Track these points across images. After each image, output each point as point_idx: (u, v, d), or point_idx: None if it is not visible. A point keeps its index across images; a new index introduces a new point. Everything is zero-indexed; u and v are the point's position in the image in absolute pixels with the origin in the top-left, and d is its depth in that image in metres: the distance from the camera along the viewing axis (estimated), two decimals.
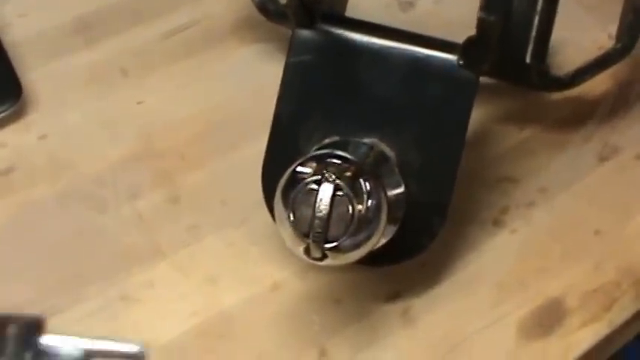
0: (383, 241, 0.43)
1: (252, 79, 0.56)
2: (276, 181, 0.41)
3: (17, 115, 0.54)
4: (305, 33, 0.46)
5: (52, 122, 0.54)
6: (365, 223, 0.39)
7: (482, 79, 0.46)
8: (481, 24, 0.40)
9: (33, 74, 0.55)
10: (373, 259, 0.42)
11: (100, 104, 0.55)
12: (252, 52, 0.58)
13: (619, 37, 0.52)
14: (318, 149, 0.44)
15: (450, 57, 0.45)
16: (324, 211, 0.38)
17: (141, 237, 0.49)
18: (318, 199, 0.38)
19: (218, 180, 0.52)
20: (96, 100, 0.55)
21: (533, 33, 0.50)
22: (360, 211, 0.39)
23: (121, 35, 0.58)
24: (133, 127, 0.54)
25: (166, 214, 0.50)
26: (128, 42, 0.58)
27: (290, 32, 0.47)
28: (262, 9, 0.54)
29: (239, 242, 0.49)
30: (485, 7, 0.39)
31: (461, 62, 0.45)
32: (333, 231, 0.39)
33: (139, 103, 0.55)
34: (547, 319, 0.47)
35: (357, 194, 0.39)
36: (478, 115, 0.52)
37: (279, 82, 0.47)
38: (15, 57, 0.56)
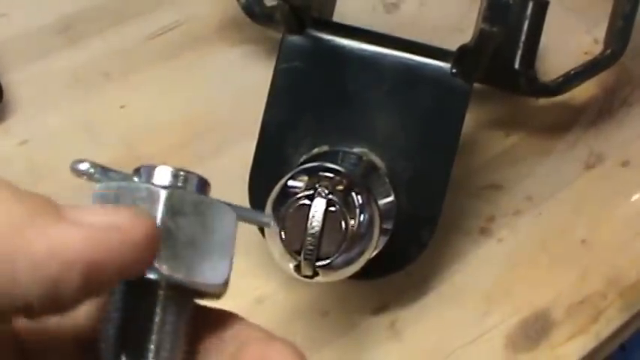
0: (374, 253, 0.39)
1: (236, 83, 0.51)
2: (263, 192, 0.37)
3: None
4: (295, 39, 0.41)
5: (32, 127, 0.49)
6: (358, 239, 0.35)
7: None
8: (482, 34, 0.35)
9: (14, 76, 0.50)
10: (362, 273, 0.38)
11: (82, 108, 0.50)
12: (237, 55, 0.53)
13: (607, 43, 0.47)
14: (307, 160, 0.40)
15: (443, 65, 0.41)
16: (316, 228, 0.34)
17: None
18: (311, 215, 0.34)
19: None
20: (78, 104, 0.50)
21: (523, 38, 0.46)
22: (352, 226, 0.35)
23: (104, 36, 0.53)
24: (115, 132, 0.49)
25: None
26: (111, 43, 0.53)
27: (277, 35, 0.43)
28: (248, 11, 0.49)
29: None
30: (488, 18, 0.34)
31: (454, 70, 0.40)
32: (325, 248, 0.34)
33: (121, 107, 0.50)
34: (534, 331, 0.43)
35: (349, 209, 0.35)
36: (465, 120, 0.48)
37: (264, 85, 0.42)
38: None
